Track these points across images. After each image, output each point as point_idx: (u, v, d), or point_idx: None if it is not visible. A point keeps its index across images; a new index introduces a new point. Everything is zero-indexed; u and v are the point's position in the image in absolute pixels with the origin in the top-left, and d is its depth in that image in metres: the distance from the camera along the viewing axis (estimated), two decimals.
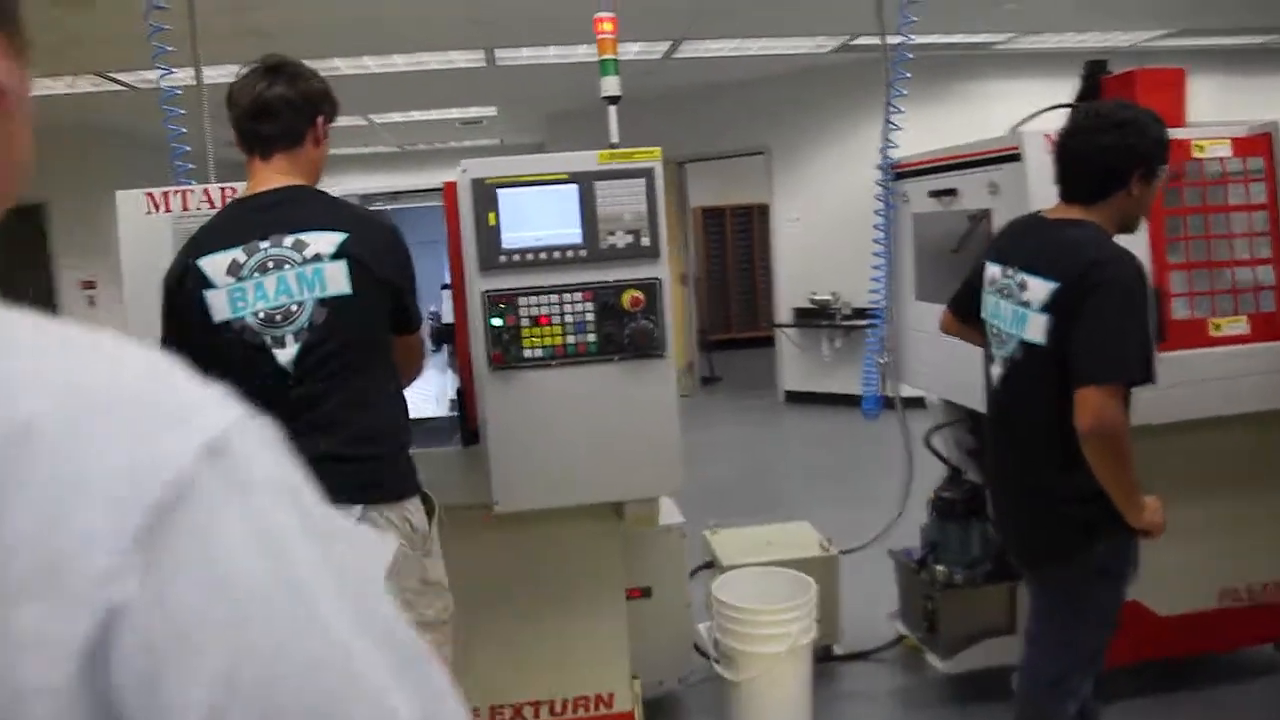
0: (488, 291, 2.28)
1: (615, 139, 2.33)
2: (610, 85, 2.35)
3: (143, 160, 5.68)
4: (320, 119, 2.02)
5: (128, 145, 7.94)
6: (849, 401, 5.10)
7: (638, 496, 2.41)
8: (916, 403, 3.54)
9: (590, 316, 2.30)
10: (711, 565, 3.39)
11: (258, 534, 0.45)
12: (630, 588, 2.94)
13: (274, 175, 1.98)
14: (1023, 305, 2.11)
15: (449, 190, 2.33)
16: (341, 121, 7.84)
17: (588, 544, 2.54)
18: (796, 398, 8.56)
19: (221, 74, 7.36)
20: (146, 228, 2.28)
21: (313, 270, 1.89)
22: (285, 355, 1.91)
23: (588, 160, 2.24)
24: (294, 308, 1.90)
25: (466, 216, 2.27)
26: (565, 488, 2.35)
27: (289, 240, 1.90)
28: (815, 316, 8.30)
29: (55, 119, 7.23)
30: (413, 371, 2.20)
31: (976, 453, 3.11)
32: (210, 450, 0.44)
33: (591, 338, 2.30)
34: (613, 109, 2.37)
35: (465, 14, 5.62)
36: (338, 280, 1.89)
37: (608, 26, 2.29)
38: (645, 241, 2.27)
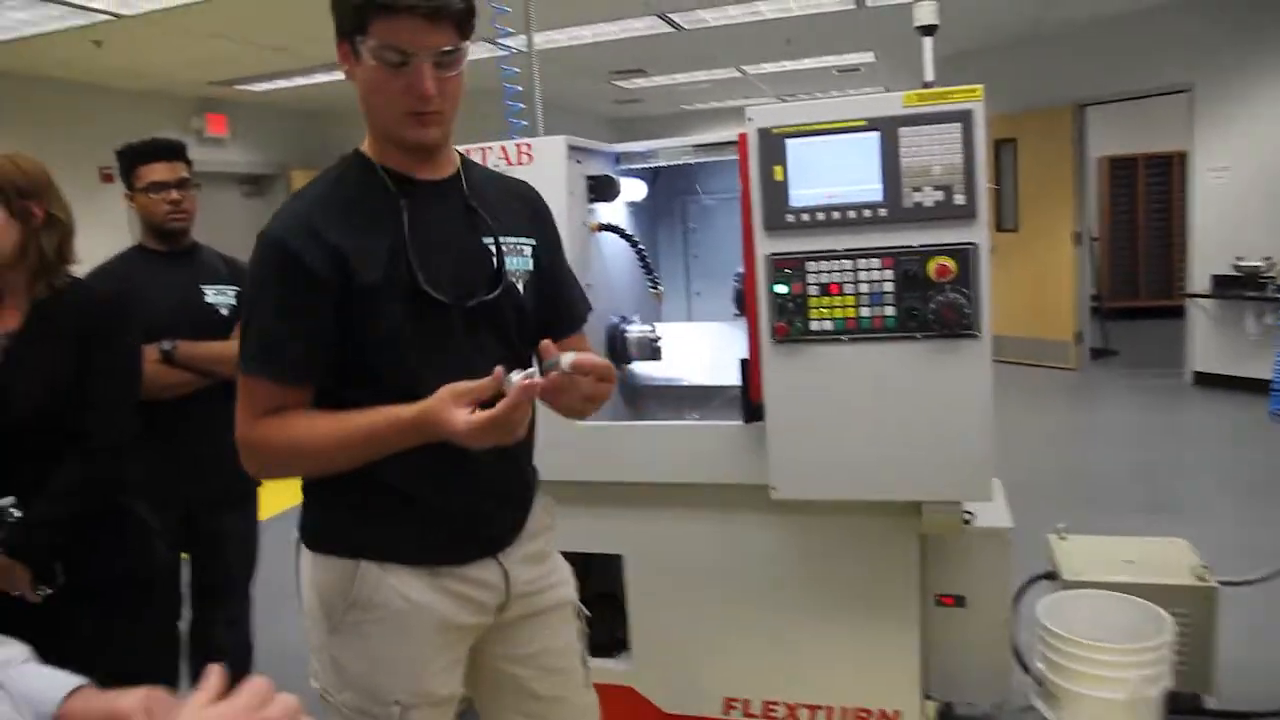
0: (772, 255, 2.05)
1: (929, 77, 1.97)
2: (925, 13, 1.99)
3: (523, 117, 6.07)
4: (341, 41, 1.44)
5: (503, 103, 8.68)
6: None
7: (935, 498, 2.07)
8: None
9: (889, 286, 1.98)
10: (1052, 577, 2.92)
11: None
12: (942, 594, 2.60)
13: None
14: None
15: (742, 142, 2.11)
16: (717, 74, 7.85)
17: (879, 541, 2.24)
18: (1208, 380, 7.30)
19: (600, 33, 7.64)
20: None
21: None
22: None
23: (891, 103, 1.91)
24: None
25: (754, 171, 2.05)
26: (851, 479, 2.08)
27: None
28: (1240, 285, 6.97)
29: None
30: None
31: None
32: None
33: (890, 311, 1.99)
34: (927, 41, 2.01)
35: None
36: None
37: None
38: (959, 199, 1.90)
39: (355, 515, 1.52)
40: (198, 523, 2.71)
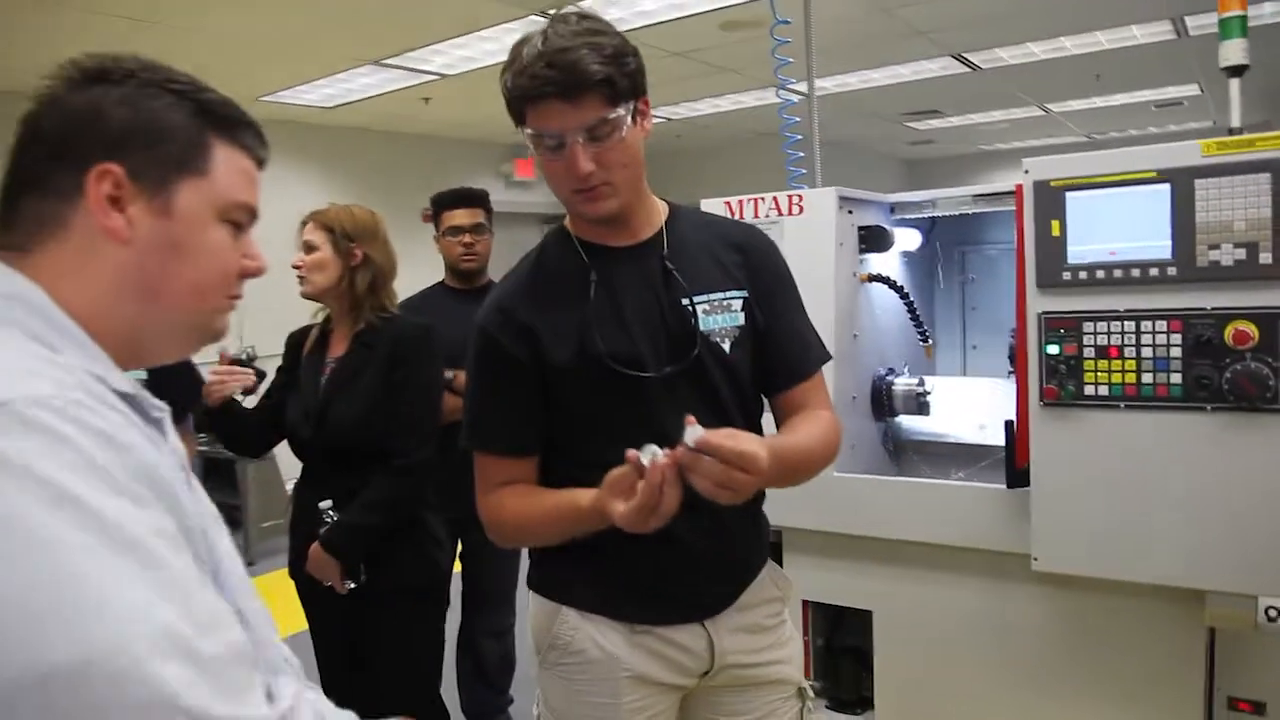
0: (1045, 313, 1.95)
1: (1236, 123, 1.79)
2: (1233, 52, 1.81)
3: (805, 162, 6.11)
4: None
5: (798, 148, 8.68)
6: None
7: (1222, 589, 1.85)
8: None
9: (1177, 352, 1.82)
10: None
11: None
12: (1237, 698, 2.31)
13: None
14: None
15: (1018, 194, 2.03)
16: (1017, 113, 7.42)
17: (1157, 629, 2.03)
18: None
19: (887, 76, 7.51)
20: None
21: None
22: None
23: (1187, 153, 1.76)
24: None
25: (1029, 225, 1.96)
26: (1123, 558, 1.91)
27: None
28: None
29: (737, 129, 8.14)
30: None
31: None
32: None
33: (1176, 379, 1.82)
34: (1234, 82, 1.82)
35: None
36: None
37: None
38: (1265, 258, 1.71)
39: (563, 564, 1.55)
40: (467, 537, 2.94)
